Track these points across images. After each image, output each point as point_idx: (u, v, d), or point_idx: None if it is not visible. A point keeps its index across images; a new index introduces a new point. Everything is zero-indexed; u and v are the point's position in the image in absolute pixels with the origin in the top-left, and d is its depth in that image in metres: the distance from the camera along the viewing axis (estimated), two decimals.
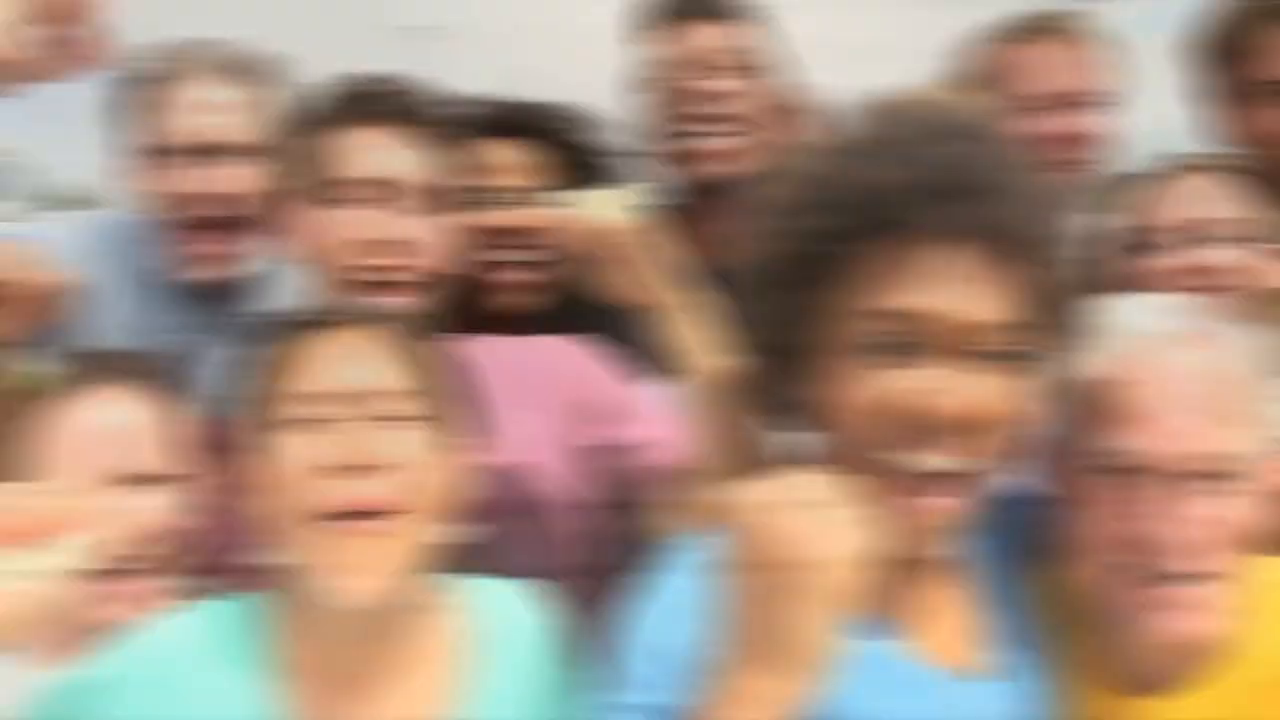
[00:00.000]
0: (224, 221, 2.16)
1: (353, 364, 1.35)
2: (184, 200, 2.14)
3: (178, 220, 2.16)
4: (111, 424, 1.63)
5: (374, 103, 1.80)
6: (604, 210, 1.59)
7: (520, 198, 2.14)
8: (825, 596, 1.02)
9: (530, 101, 2.23)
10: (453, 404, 1.46)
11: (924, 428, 1.18)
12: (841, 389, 1.21)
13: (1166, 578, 1.33)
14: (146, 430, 1.57)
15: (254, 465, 1.34)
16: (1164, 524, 1.30)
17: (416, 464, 1.33)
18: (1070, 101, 2.40)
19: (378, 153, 1.78)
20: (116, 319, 2.25)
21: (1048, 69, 2.41)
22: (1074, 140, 2.39)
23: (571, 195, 1.66)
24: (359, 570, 1.27)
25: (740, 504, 1.06)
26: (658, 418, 1.81)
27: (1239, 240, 1.92)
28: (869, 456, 1.21)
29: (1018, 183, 1.20)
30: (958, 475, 1.22)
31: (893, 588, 1.31)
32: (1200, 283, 1.89)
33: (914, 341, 1.18)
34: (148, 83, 2.16)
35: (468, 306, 2.17)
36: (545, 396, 1.86)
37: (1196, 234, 1.92)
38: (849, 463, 1.23)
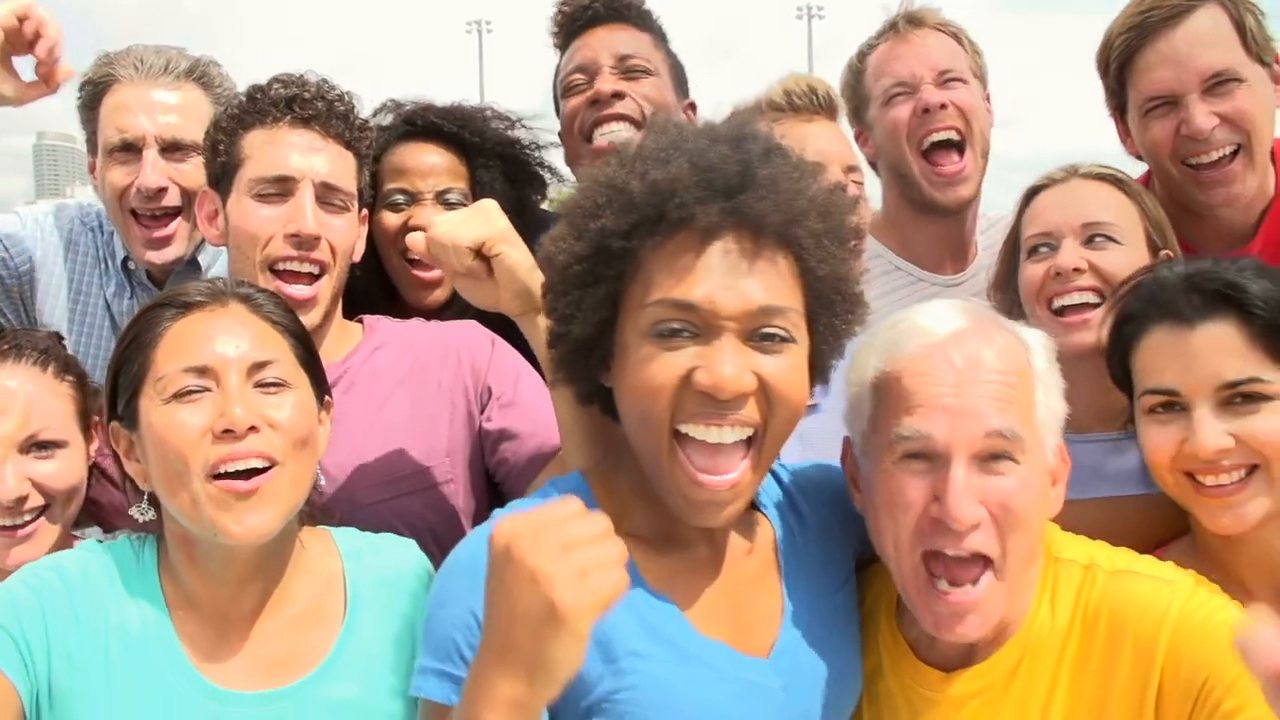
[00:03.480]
0: (168, 211, 2.36)
1: (227, 338, 1.51)
2: (127, 192, 2.34)
3: (126, 209, 2.36)
4: (12, 393, 1.82)
5: (297, 104, 1.93)
6: (450, 233, 1.62)
7: (439, 198, 2.29)
8: (568, 632, 1.09)
9: (453, 105, 2.38)
10: (316, 373, 1.62)
11: (703, 402, 1.32)
12: (632, 372, 1.35)
13: (948, 560, 1.43)
14: (44, 400, 1.77)
15: (142, 439, 1.51)
16: (945, 504, 1.41)
17: (289, 423, 1.50)
18: (914, 85, 2.54)
19: (298, 151, 1.92)
20: (73, 301, 2.47)
21: (894, 62, 2.57)
22: (926, 113, 2.51)
23: (437, 218, 1.69)
24: (242, 519, 1.45)
25: (506, 533, 1.14)
26: (537, 406, 1.92)
27: (1117, 241, 2.02)
28: (657, 433, 1.35)
29: (779, 180, 1.32)
30: (737, 446, 1.35)
31: (681, 564, 1.44)
32: (1066, 285, 2.00)
33: (689, 326, 1.32)
34: (94, 86, 2.37)
35: (385, 297, 2.34)
36: (438, 376, 1.99)
37: (1057, 238, 2.03)
38: (642, 441, 1.38)
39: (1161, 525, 1.83)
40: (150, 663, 1.47)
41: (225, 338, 1.51)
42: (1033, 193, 2.15)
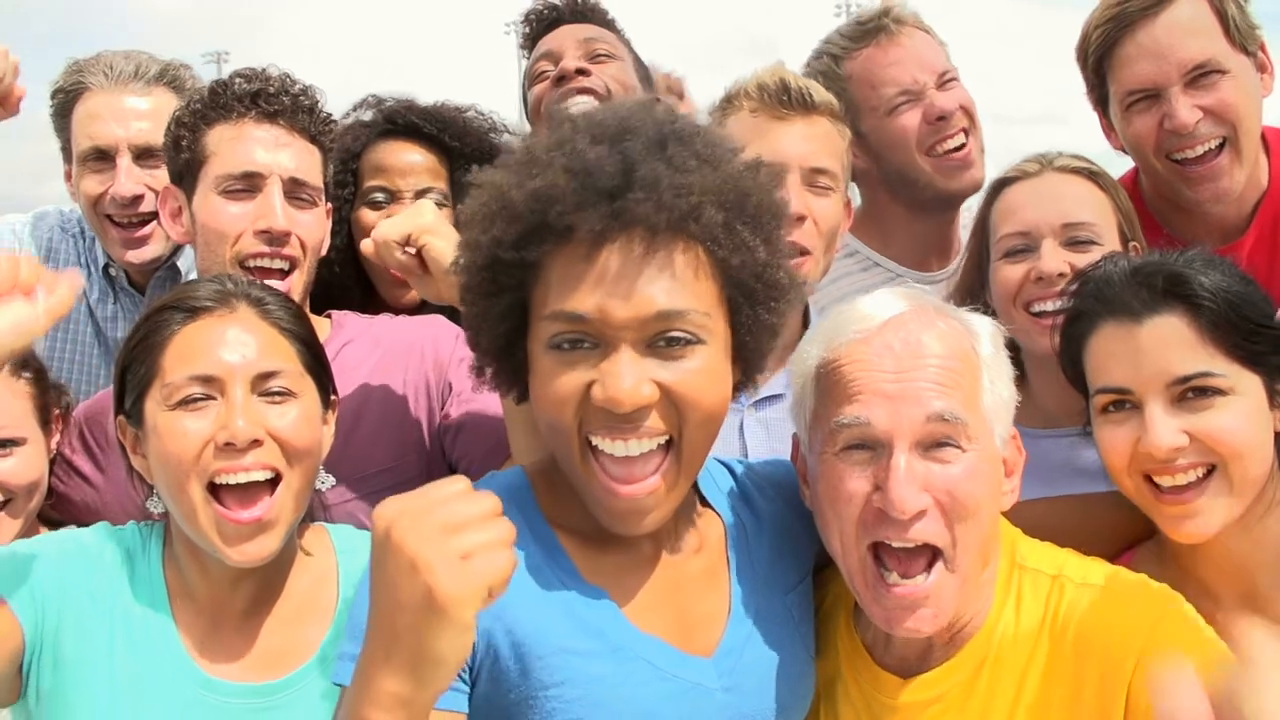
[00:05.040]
0: (144, 218, 2.37)
1: (234, 346, 1.52)
2: (102, 199, 2.35)
3: (102, 215, 2.38)
4: None
5: (262, 99, 1.93)
6: (381, 231, 1.65)
7: (418, 197, 2.26)
8: (449, 622, 1.03)
9: (435, 106, 2.38)
10: (322, 376, 1.63)
11: (606, 417, 1.27)
12: (539, 384, 1.32)
13: (895, 552, 1.39)
14: (0, 398, 1.78)
15: (147, 439, 1.52)
16: (887, 492, 1.36)
17: (292, 434, 1.51)
18: (919, 91, 2.47)
19: (264, 146, 1.92)
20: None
21: (892, 68, 2.48)
22: (940, 121, 2.46)
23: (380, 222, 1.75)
24: (244, 549, 1.47)
25: (387, 515, 1.08)
26: (497, 399, 1.87)
27: (1097, 242, 1.93)
28: (569, 444, 1.31)
29: (662, 178, 1.24)
30: (652, 454, 1.30)
31: (622, 560, 1.40)
32: (1047, 290, 1.91)
33: (587, 338, 1.27)
34: (65, 94, 2.39)
35: (363, 295, 2.34)
36: (403, 372, 1.98)
37: (1036, 239, 1.94)
38: (557, 450, 1.34)
39: (1129, 527, 1.77)
40: (149, 648, 1.50)
41: (232, 346, 1.52)
42: (1002, 185, 2.05)
